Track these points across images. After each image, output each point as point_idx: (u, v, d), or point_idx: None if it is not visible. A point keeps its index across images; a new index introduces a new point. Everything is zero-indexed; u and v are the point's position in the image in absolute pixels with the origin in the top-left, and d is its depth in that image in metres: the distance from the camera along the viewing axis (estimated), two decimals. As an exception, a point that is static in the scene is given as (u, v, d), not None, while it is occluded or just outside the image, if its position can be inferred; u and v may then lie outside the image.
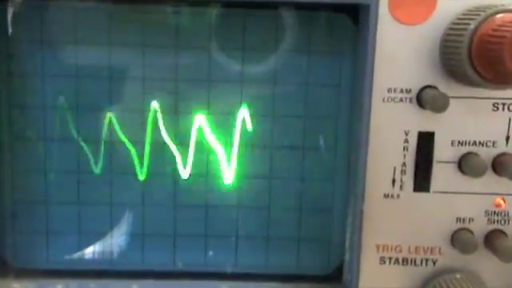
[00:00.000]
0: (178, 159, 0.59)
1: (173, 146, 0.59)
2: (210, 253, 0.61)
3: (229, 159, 0.59)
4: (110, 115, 0.58)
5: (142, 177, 0.59)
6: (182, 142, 0.59)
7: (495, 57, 0.46)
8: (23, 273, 0.59)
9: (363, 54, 0.52)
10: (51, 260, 0.60)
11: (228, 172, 0.59)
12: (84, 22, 0.57)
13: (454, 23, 0.51)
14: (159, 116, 0.58)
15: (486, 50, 0.47)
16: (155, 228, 0.61)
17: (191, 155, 0.59)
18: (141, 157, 0.59)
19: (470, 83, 0.51)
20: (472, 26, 0.49)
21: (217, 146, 0.59)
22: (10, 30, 0.57)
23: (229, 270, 0.61)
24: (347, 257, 0.57)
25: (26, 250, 0.60)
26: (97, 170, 0.59)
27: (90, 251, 0.61)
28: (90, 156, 0.59)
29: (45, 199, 0.59)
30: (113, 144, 0.59)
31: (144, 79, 0.58)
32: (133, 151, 0.59)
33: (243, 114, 0.58)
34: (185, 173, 0.59)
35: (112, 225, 0.60)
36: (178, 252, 0.61)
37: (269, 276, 0.60)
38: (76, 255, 0.60)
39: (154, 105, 0.58)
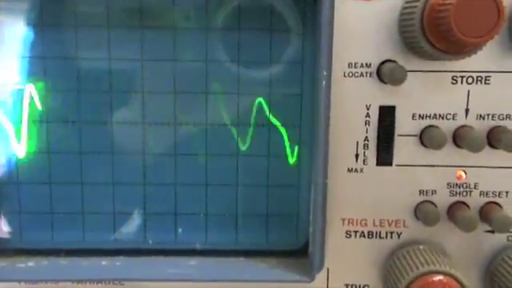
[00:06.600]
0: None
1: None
2: (180, 230, 0.62)
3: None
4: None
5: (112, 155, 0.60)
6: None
7: (444, 24, 0.47)
8: (-4, 251, 0.60)
9: (321, 29, 0.53)
10: (23, 239, 0.61)
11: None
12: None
13: (409, -3, 0.52)
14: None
15: (435, 19, 0.48)
16: (126, 206, 0.61)
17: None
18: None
19: (427, 56, 0.52)
20: (424, -2, 0.50)
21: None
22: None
23: (198, 246, 0.62)
24: (311, 231, 0.57)
25: (-2, 229, 0.61)
26: (71, 149, 0.60)
27: (61, 230, 0.61)
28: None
29: (17, 180, 0.60)
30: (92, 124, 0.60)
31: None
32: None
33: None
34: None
35: (83, 204, 0.61)
36: (149, 230, 0.62)
37: (238, 252, 0.61)
38: (47, 234, 0.61)
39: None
